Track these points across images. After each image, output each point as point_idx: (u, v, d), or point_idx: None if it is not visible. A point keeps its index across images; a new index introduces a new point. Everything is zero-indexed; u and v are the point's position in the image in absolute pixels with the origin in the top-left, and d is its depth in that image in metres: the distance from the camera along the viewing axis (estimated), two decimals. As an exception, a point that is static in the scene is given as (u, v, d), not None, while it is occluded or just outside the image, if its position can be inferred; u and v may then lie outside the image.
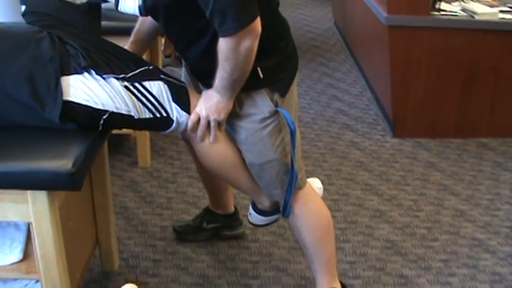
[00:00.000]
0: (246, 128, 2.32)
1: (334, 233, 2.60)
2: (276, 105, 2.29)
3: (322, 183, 2.81)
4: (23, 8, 2.34)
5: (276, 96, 2.29)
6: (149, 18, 2.50)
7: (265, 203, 2.57)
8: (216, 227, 3.11)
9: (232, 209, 3.11)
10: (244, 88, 2.24)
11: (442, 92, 4.18)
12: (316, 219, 2.55)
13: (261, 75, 2.24)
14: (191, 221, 3.14)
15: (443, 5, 4.08)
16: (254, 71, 2.20)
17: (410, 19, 3.95)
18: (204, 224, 3.10)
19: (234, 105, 2.29)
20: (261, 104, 2.28)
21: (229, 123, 2.35)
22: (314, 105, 4.80)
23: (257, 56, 2.12)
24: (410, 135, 4.30)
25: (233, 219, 3.13)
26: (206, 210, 3.12)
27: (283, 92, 2.32)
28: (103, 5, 3.21)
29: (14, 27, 2.32)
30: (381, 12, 4.06)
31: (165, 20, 2.26)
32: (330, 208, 3.19)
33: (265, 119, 2.30)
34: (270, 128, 2.31)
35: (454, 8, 4.14)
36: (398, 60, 4.06)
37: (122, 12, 2.33)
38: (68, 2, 2.35)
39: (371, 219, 3.35)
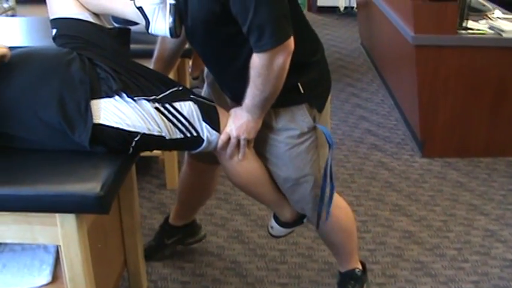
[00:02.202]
0: (285, 142, 2.36)
1: (356, 226, 2.76)
2: (314, 121, 2.33)
3: (351, 204, 2.80)
4: (54, 31, 2.37)
5: (315, 112, 2.34)
6: (168, 45, 2.54)
7: (287, 215, 2.61)
8: (177, 239, 3.12)
9: (192, 218, 3.14)
10: (285, 103, 2.29)
11: (470, 111, 4.15)
12: (343, 222, 2.67)
13: (302, 90, 2.27)
14: (152, 240, 3.15)
15: (470, 24, 4.06)
16: (295, 87, 2.25)
17: (437, 38, 3.93)
18: (165, 240, 3.11)
19: (272, 120, 2.34)
20: (301, 120, 2.32)
21: (267, 137, 2.38)
22: (342, 126, 4.79)
23: (296, 71, 2.17)
24: (439, 155, 4.27)
25: (192, 226, 3.15)
26: (163, 227, 3.12)
27: (321, 107, 2.37)
28: (131, 28, 3.24)
29: (44, 49, 2.35)
30: (408, 32, 4.05)
31: (201, 39, 2.28)
32: (358, 229, 3.21)
33: (303, 134, 2.34)
34: (307, 143, 2.36)
35: (481, 26, 4.12)
36: (426, 79, 4.04)
37: (152, 35, 2.35)
38: (98, 25, 2.38)
39: (400, 240, 3.32)
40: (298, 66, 2.17)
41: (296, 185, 2.44)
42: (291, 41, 2.07)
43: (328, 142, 2.36)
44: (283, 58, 2.07)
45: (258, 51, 2.06)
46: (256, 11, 1.98)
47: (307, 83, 2.29)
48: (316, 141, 2.38)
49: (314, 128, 2.35)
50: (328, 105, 2.44)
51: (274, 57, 2.05)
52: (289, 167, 2.40)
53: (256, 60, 2.08)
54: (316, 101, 2.35)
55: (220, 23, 2.13)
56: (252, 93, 2.17)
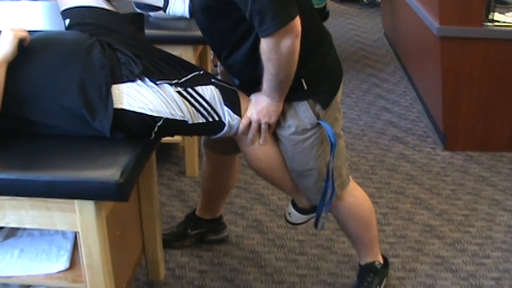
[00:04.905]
0: (288, 139, 2.35)
1: (375, 218, 2.74)
2: (318, 117, 2.30)
3: (372, 196, 2.77)
4: (67, 21, 2.35)
5: (318, 108, 2.30)
6: None
7: (305, 201, 2.60)
8: (200, 232, 3.11)
9: (219, 214, 3.13)
10: (288, 99, 2.26)
11: (494, 105, 4.09)
12: (359, 212, 2.66)
13: (305, 87, 2.24)
14: (175, 228, 3.14)
15: (496, 16, 3.99)
16: (298, 82, 2.22)
17: (463, 30, 3.87)
18: (189, 231, 3.10)
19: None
20: (303, 116, 2.30)
21: (272, 132, 2.36)
22: (363, 117, 4.75)
23: (299, 63, 2.13)
24: (461, 148, 4.22)
25: (218, 224, 3.14)
26: (190, 217, 3.12)
27: (326, 104, 2.32)
28: (152, 14, 3.24)
29: (64, 34, 2.34)
30: (433, 23, 3.99)
31: (207, 25, 2.27)
32: (379, 222, 3.17)
33: (306, 130, 2.32)
34: (311, 139, 2.34)
35: (508, 18, 4.05)
36: (450, 71, 3.99)
37: (170, 15, 2.33)
38: (113, 11, 2.37)
39: (421, 234, 3.28)
40: (300, 57, 2.12)
41: (300, 176, 2.45)
42: (296, 22, 2.03)
43: (330, 141, 2.33)
44: (290, 41, 2.04)
45: (262, 36, 2.04)
46: None
47: (310, 78, 2.25)
48: (321, 137, 2.35)
49: (318, 124, 2.32)
50: (337, 101, 2.40)
51: (280, 40, 2.03)
52: (293, 161, 2.40)
53: (264, 45, 2.07)
54: (320, 97, 2.31)
55: (222, 9, 2.13)
56: (267, 78, 2.16)
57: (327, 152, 2.38)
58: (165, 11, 2.44)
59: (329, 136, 2.32)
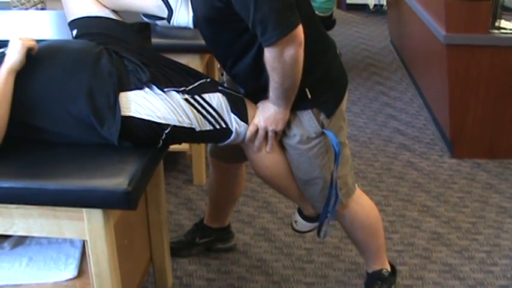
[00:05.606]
0: (294, 147, 2.36)
1: (382, 226, 2.73)
2: (322, 126, 2.31)
3: (379, 204, 2.76)
4: (75, 32, 2.37)
5: (323, 117, 2.31)
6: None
7: (311, 209, 2.60)
8: (208, 241, 3.11)
9: (227, 222, 3.12)
10: (292, 108, 2.27)
11: (501, 112, 4.09)
12: (365, 220, 2.66)
13: (309, 96, 2.25)
14: (183, 236, 3.14)
15: (503, 23, 4.00)
16: (302, 92, 2.23)
17: (469, 37, 3.87)
18: (197, 239, 3.10)
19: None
20: (307, 125, 2.31)
21: (279, 140, 2.37)
22: (370, 124, 4.75)
23: (303, 72, 2.14)
24: (468, 156, 4.22)
25: (226, 233, 3.14)
26: (198, 226, 3.12)
27: (330, 113, 2.33)
28: (159, 22, 3.25)
29: (72, 42, 2.36)
30: (439, 31, 4.00)
31: (211, 36, 2.29)
32: (386, 230, 3.17)
33: (311, 139, 2.33)
34: (316, 149, 2.35)
35: (515, 26, 4.06)
36: (457, 79, 3.99)
37: (174, 26, 2.35)
38: (120, 21, 2.38)
39: (428, 242, 3.27)
40: (304, 65, 2.13)
41: (306, 185, 2.46)
42: (299, 31, 2.04)
43: (334, 150, 2.33)
44: (293, 49, 2.05)
45: (265, 46, 2.06)
46: (256, 6, 1.98)
47: (314, 87, 2.26)
48: (326, 146, 2.36)
49: (322, 134, 2.33)
50: (342, 110, 2.40)
51: (283, 49, 2.04)
52: (298, 169, 2.42)
53: (267, 55, 2.08)
54: (325, 106, 2.32)
55: (225, 20, 2.14)
56: (272, 87, 2.17)
57: (332, 161, 2.38)
58: (169, 22, 2.45)
59: (333, 145, 2.32)
